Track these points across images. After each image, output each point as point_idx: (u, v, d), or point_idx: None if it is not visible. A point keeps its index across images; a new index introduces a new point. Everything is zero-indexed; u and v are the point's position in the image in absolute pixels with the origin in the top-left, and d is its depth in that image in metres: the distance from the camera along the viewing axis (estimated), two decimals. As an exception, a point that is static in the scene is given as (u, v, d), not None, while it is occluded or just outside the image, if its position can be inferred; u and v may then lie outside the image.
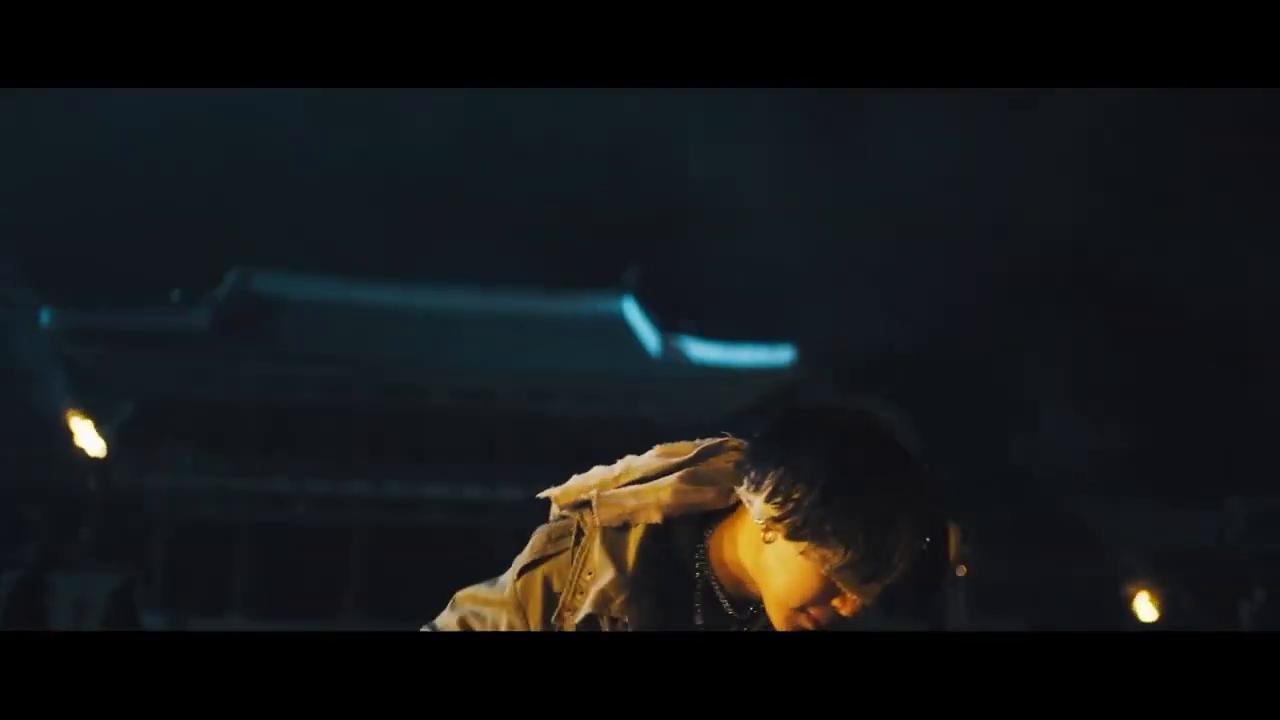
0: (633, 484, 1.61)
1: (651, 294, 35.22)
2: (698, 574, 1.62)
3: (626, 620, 1.59)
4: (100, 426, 25.29)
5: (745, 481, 1.52)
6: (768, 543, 1.52)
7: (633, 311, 35.41)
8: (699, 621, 1.62)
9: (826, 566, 1.47)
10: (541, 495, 1.70)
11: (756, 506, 1.51)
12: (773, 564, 1.53)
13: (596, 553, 1.60)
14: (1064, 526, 28.40)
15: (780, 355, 30.75)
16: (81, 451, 15.69)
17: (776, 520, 1.48)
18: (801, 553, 1.48)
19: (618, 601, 1.58)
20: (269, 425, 29.70)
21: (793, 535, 1.48)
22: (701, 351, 32.15)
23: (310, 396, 29.74)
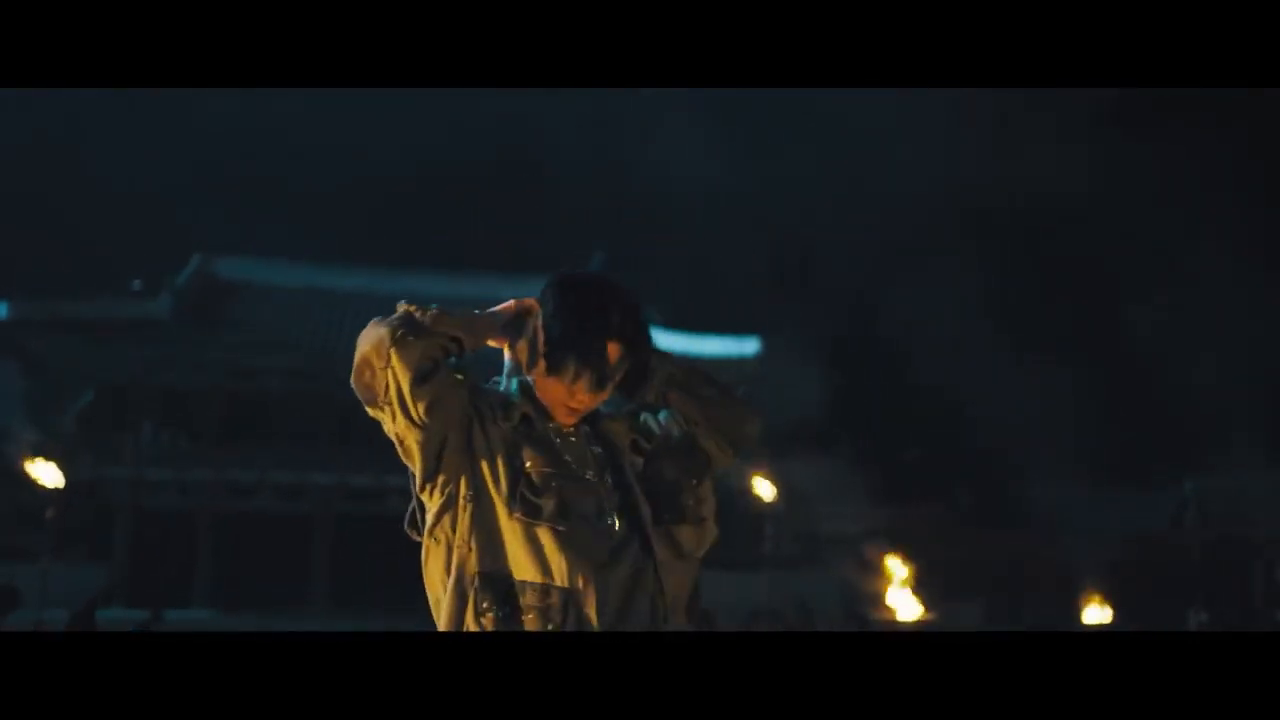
0: None
1: (620, 278, 35.31)
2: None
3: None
4: (61, 416, 25.15)
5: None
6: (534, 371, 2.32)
7: (598, 299, 35.53)
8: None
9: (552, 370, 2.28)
10: None
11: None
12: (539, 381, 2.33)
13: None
14: (1019, 509, 28.88)
15: (746, 346, 31.00)
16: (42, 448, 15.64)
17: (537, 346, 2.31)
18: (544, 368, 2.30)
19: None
20: (232, 413, 29.62)
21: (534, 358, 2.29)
22: (668, 340, 32.30)
23: (274, 384, 29.68)
